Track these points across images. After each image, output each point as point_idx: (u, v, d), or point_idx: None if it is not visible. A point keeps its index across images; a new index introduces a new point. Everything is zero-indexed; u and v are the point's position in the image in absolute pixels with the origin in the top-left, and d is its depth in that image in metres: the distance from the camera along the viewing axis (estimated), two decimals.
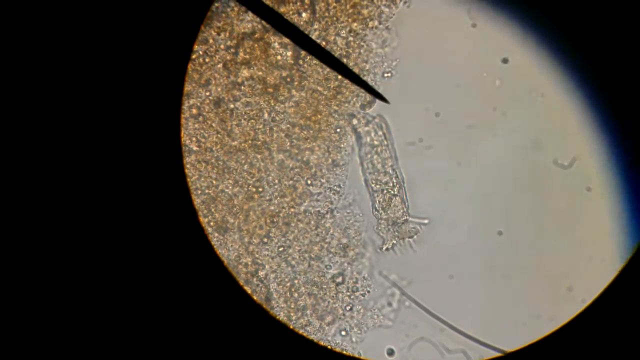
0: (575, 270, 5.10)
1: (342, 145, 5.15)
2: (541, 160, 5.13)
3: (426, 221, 5.11)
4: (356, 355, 5.13)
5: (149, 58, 4.66)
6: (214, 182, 5.13)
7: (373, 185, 5.12)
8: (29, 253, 4.56)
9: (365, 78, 5.10)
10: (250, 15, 5.06)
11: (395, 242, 5.11)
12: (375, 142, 5.10)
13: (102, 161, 4.61)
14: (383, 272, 5.15)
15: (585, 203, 5.11)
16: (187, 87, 5.09)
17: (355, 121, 5.10)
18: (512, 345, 4.97)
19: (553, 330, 4.83)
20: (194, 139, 5.11)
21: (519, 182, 5.15)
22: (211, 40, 5.07)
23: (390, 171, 5.12)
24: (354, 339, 5.17)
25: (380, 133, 5.10)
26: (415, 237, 5.12)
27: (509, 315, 5.11)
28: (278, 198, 5.13)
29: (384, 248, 5.14)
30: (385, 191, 5.11)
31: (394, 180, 5.10)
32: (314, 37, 5.08)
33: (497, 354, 5.05)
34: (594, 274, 5.06)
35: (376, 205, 5.12)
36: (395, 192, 5.10)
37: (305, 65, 5.10)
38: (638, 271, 4.72)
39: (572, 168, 5.11)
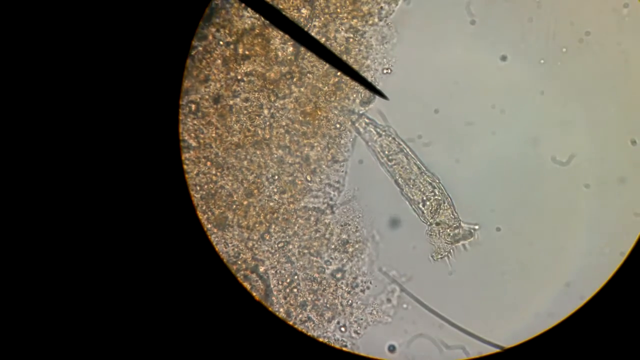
0: (573, 266, 5.13)
1: (341, 141, 5.16)
2: (539, 157, 5.15)
3: (477, 226, 5.11)
4: (355, 351, 5.15)
5: (148, 54, 4.65)
6: (213, 178, 5.13)
7: (412, 196, 5.11)
8: (27, 248, 4.56)
9: (364, 74, 5.11)
10: (249, 12, 5.06)
11: (450, 249, 5.10)
12: (395, 149, 5.11)
13: (101, 158, 4.61)
14: (383, 268, 5.17)
15: (583, 200, 5.13)
16: (186, 83, 5.08)
17: (364, 133, 5.11)
18: (511, 341, 4.99)
19: (551, 327, 4.85)
20: (192, 135, 5.11)
21: (518, 178, 5.16)
22: (210, 37, 5.07)
23: (424, 177, 5.12)
24: (353, 335, 5.18)
25: (396, 142, 5.11)
26: (470, 240, 5.12)
27: (508, 311, 5.13)
28: (277, 194, 5.13)
29: (437, 257, 5.12)
30: (429, 199, 5.10)
31: (433, 185, 5.11)
32: (313, 34, 5.09)
33: (495, 350, 5.06)
34: (592, 270, 5.09)
35: (425, 214, 5.11)
36: (439, 197, 5.10)
37: (305, 61, 5.11)
38: (636, 268, 4.74)
39: (570, 165, 5.13)
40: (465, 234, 5.09)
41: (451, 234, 5.09)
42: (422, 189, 5.10)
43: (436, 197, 5.10)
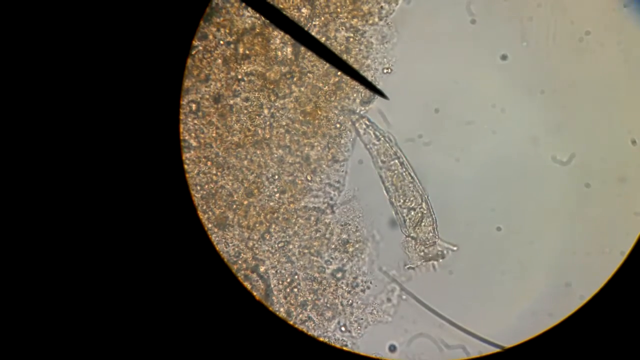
0: (573, 266, 5.13)
1: (341, 141, 5.16)
2: (539, 156, 5.15)
3: (455, 248, 5.12)
4: (356, 351, 5.16)
5: (148, 54, 4.65)
6: (214, 177, 5.13)
7: (398, 203, 5.12)
8: (27, 248, 4.56)
9: (365, 74, 5.10)
10: (249, 11, 5.06)
11: (420, 262, 5.11)
12: (392, 155, 5.11)
13: (101, 157, 4.61)
14: (383, 267, 5.17)
15: (584, 199, 5.13)
16: (187, 83, 5.08)
17: (363, 135, 5.11)
18: (511, 341, 4.99)
19: (551, 327, 4.86)
20: (193, 134, 5.11)
21: (518, 177, 5.16)
22: (211, 36, 5.07)
23: (415, 188, 5.12)
24: (353, 335, 5.19)
25: (393, 149, 5.11)
26: (440, 261, 5.13)
27: (508, 311, 5.13)
28: (278, 194, 5.14)
29: (408, 266, 5.14)
30: (414, 209, 5.11)
31: (422, 198, 5.11)
32: (313, 33, 5.08)
33: (495, 350, 5.07)
34: (592, 270, 5.09)
35: (406, 223, 5.11)
36: (425, 211, 5.10)
37: (305, 61, 5.11)
38: (636, 268, 4.74)
39: (571, 164, 5.13)
40: (436, 254, 5.10)
41: (424, 251, 5.10)
42: (411, 199, 5.11)
43: (422, 209, 5.11)
